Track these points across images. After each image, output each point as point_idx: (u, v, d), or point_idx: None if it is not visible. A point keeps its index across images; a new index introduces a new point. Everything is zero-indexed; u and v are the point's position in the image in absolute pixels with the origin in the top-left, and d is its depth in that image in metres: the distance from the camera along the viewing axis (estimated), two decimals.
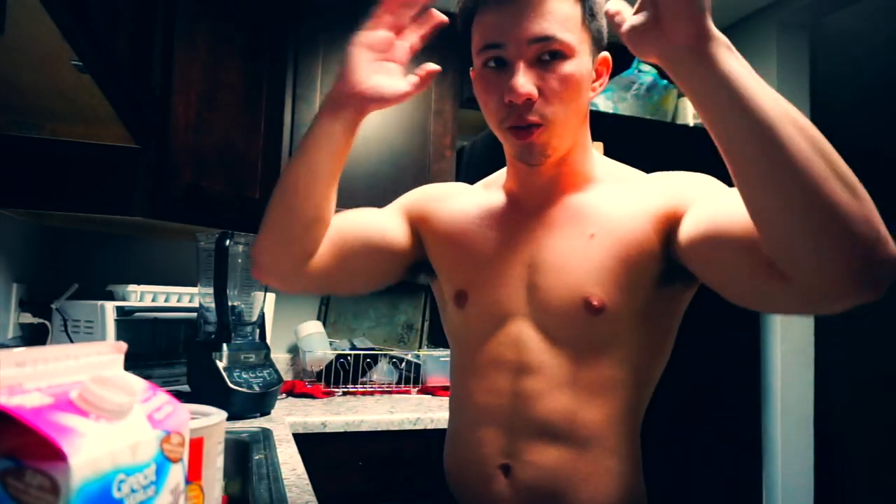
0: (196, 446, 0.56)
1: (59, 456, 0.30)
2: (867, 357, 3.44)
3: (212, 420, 0.59)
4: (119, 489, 0.34)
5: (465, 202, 0.91)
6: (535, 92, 0.73)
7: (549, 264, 0.80)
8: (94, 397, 0.35)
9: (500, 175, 0.94)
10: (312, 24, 2.01)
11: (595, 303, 0.76)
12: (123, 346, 0.42)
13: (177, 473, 0.39)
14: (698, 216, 0.70)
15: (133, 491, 0.35)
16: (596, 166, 0.86)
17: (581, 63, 0.75)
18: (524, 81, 0.72)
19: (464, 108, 2.19)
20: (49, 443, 0.30)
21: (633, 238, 0.76)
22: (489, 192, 0.92)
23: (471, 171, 2.10)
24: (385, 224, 0.95)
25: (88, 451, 0.31)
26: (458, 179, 2.13)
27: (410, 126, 2.09)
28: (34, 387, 0.34)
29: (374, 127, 2.05)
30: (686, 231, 0.71)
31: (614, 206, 0.79)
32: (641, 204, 0.78)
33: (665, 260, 0.76)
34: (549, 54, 0.73)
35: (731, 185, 0.64)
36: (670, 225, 0.75)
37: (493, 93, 0.77)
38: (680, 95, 2.15)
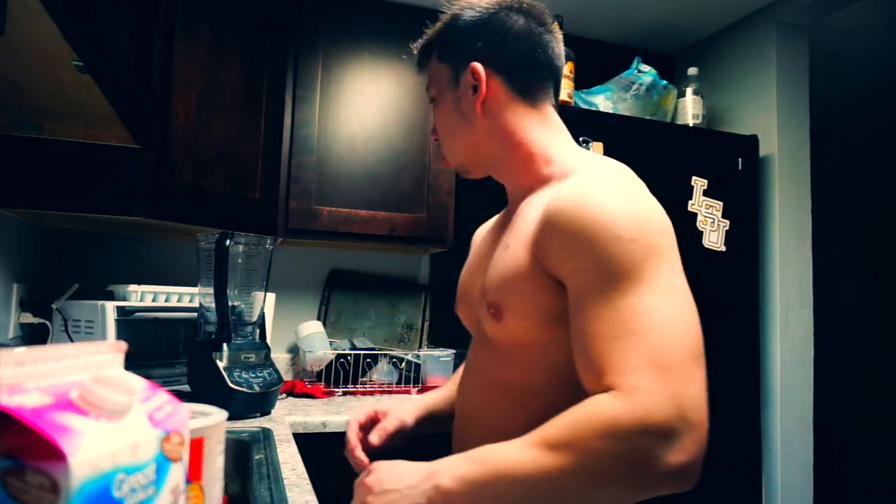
0: (196, 446, 0.56)
1: (59, 455, 0.30)
2: (867, 357, 3.44)
3: (212, 420, 0.58)
4: (119, 488, 0.34)
5: (490, 224, 1.03)
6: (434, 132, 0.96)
7: (485, 268, 0.87)
8: (94, 397, 0.35)
9: None
10: (312, 24, 2.01)
11: (492, 309, 0.80)
12: (123, 345, 0.42)
13: (177, 473, 0.39)
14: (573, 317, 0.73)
15: (133, 490, 0.35)
16: (551, 164, 0.85)
17: (445, 97, 0.91)
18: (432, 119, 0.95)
19: None
20: (49, 442, 0.30)
21: (525, 248, 0.78)
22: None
23: None
24: None
25: (88, 450, 0.31)
26: (458, 180, 2.13)
27: (410, 126, 2.09)
28: (34, 386, 0.34)
29: (374, 127, 2.05)
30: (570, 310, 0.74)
31: (532, 213, 0.80)
32: (541, 214, 0.77)
33: (545, 274, 0.76)
34: (431, 98, 0.95)
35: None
36: (543, 266, 0.75)
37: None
38: (680, 95, 2.15)
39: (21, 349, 0.34)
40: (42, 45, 0.81)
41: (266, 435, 1.28)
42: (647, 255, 0.69)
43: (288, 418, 1.54)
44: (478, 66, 0.87)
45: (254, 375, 1.52)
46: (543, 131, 0.88)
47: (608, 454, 0.63)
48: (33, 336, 1.68)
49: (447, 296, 2.29)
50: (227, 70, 1.74)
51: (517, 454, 0.66)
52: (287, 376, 2.17)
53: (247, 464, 1.13)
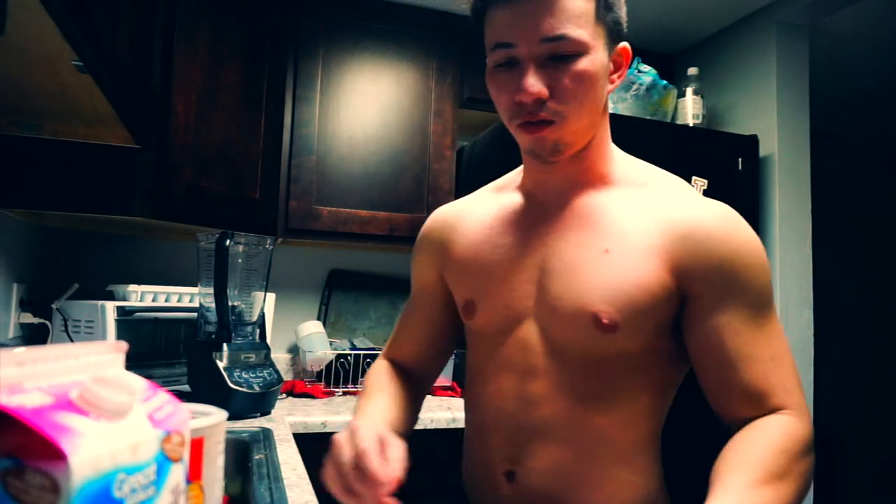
0: (196, 446, 0.56)
1: (59, 455, 0.30)
2: (867, 357, 3.44)
3: (212, 420, 0.58)
4: (119, 489, 0.33)
5: (480, 214, 0.90)
6: (545, 91, 0.72)
7: (559, 272, 0.78)
8: (94, 397, 0.34)
9: (515, 175, 0.92)
10: (312, 24, 2.01)
11: (605, 321, 0.74)
12: (124, 345, 0.42)
13: (177, 473, 0.39)
14: (708, 336, 0.74)
15: (133, 491, 0.35)
16: (615, 165, 0.83)
17: (595, 59, 0.73)
18: (534, 81, 0.71)
19: (464, 108, 2.19)
20: (49, 442, 0.30)
21: (647, 258, 0.74)
22: (503, 195, 0.90)
23: (471, 171, 2.10)
24: (434, 312, 0.98)
25: (89, 450, 0.31)
26: (458, 179, 2.13)
27: (410, 126, 2.09)
28: (34, 386, 0.34)
29: (374, 127, 2.05)
30: (692, 331, 0.76)
31: (631, 218, 0.76)
32: (656, 224, 0.75)
33: (676, 287, 0.75)
34: (562, 52, 0.71)
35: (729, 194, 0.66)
36: (678, 280, 0.74)
37: (504, 92, 0.75)
38: (680, 95, 2.15)
39: (21, 349, 0.34)
40: (42, 45, 0.80)
41: (266, 435, 1.28)
42: (770, 280, 0.76)
43: (288, 418, 1.54)
44: (629, 49, 0.79)
45: (254, 375, 1.52)
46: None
47: (810, 472, 0.70)
48: (33, 336, 1.68)
49: None
50: (227, 70, 1.74)
51: (757, 499, 0.64)
52: (287, 376, 2.17)
53: (247, 464, 1.13)
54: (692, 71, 2.17)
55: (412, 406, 0.94)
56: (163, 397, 0.42)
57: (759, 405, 0.72)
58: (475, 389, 0.88)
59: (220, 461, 0.59)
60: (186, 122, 1.60)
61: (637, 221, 0.76)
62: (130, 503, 0.34)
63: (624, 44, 0.79)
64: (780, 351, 0.73)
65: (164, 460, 0.37)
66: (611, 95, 2.05)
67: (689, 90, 2.12)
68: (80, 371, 0.37)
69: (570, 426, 0.77)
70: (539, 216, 0.83)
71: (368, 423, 0.75)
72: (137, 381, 0.40)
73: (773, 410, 0.72)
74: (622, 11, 0.77)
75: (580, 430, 0.77)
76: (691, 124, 2.10)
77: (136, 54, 1.25)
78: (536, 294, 0.80)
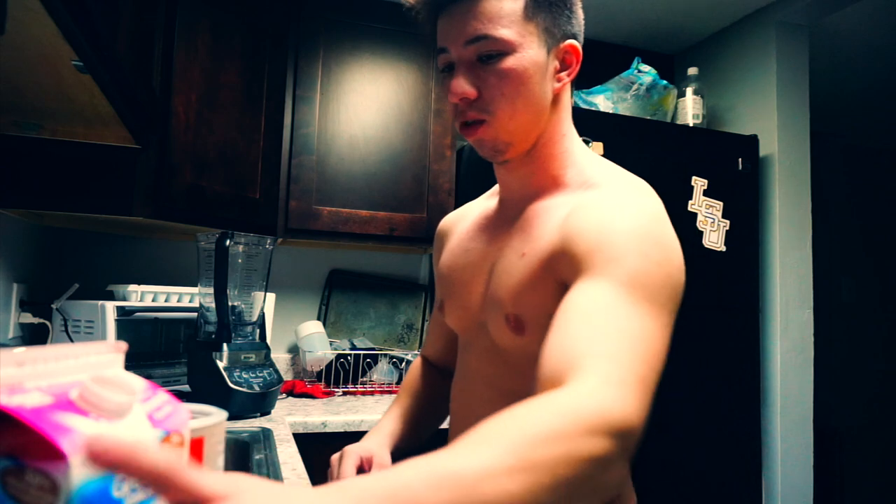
0: (196, 446, 0.56)
1: (58, 455, 0.30)
2: (867, 357, 3.44)
3: (212, 420, 0.58)
4: (119, 489, 0.34)
5: (469, 219, 0.93)
6: (470, 91, 0.74)
7: (494, 276, 0.80)
8: (94, 397, 0.34)
9: None
10: (312, 24, 2.01)
11: (512, 322, 0.75)
12: (123, 345, 0.42)
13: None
14: (562, 310, 0.63)
15: (133, 490, 0.35)
16: (570, 168, 0.81)
17: (523, 56, 0.74)
18: (460, 82, 0.74)
19: None
20: (49, 442, 0.30)
21: (546, 256, 0.72)
22: (489, 201, 0.93)
23: (471, 171, 2.10)
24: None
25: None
26: (457, 179, 2.13)
27: (410, 126, 2.09)
28: (34, 386, 0.34)
29: (374, 127, 2.05)
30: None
31: (552, 220, 0.75)
32: (564, 220, 0.73)
33: (563, 282, 0.71)
34: (485, 52, 0.74)
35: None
36: (560, 271, 0.70)
37: (446, 96, 0.79)
38: (680, 95, 2.15)
39: (21, 349, 0.34)
40: (42, 45, 0.81)
41: (266, 435, 1.28)
42: (663, 283, 0.64)
43: (288, 418, 1.54)
44: (578, 47, 0.78)
45: (254, 375, 1.52)
46: (572, 128, 0.83)
47: (576, 462, 0.50)
48: (33, 336, 1.68)
49: None
50: (227, 70, 1.74)
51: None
52: (287, 376, 2.17)
53: (247, 464, 1.13)
54: (692, 71, 2.17)
55: (429, 409, 1.00)
56: (162, 397, 0.42)
57: (567, 373, 0.56)
58: (453, 387, 0.93)
59: (220, 461, 0.59)
60: (186, 122, 1.60)
61: (553, 223, 0.74)
62: (130, 503, 0.34)
63: (571, 41, 0.78)
64: (630, 331, 0.59)
65: None
66: (611, 96, 2.06)
67: (689, 90, 2.12)
68: (80, 371, 0.37)
69: None
70: (501, 221, 0.85)
71: (364, 442, 0.86)
72: (137, 381, 0.40)
73: (578, 379, 0.55)
74: (573, 10, 0.78)
75: None
76: (691, 124, 2.10)
77: (136, 54, 1.25)
78: (483, 297, 0.83)
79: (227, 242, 1.50)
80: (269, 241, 1.63)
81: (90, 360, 0.38)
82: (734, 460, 1.94)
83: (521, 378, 0.75)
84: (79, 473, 0.30)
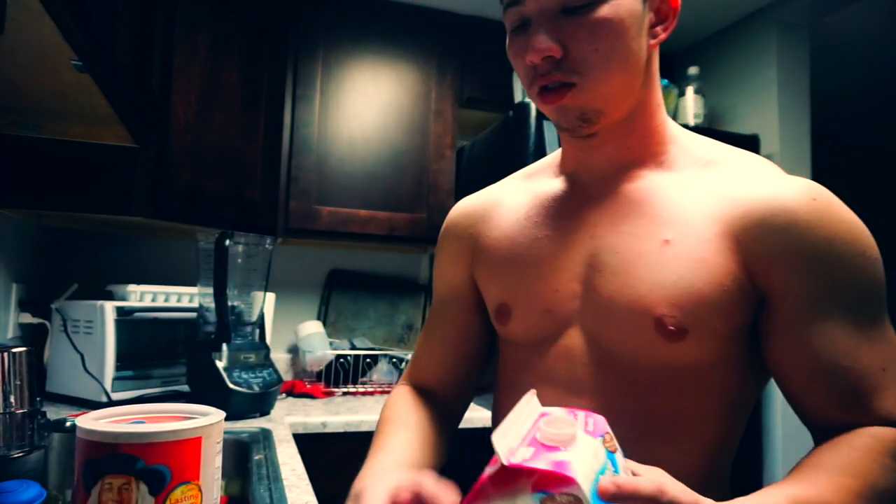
0: (194, 446, 0.56)
1: (572, 481, 0.43)
2: None
3: (210, 420, 0.58)
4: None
5: (513, 202, 0.79)
6: (555, 48, 0.62)
7: (611, 268, 0.66)
8: (555, 436, 0.47)
9: (549, 159, 0.80)
10: (312, 24, 2.01)
11: (671, 326, 0.62)
12: (534, 391, 0.55)
13: (620, 457, 0.53)
14: (795, 348, 0.61)
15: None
16: (673, 141, 0.70)
17: (620, 4, 0.61)
18: (543, 38, 0.62)
19: (464, 108, 2.19)
20: (562, 476, 0.44)
21: (716, 249, 0.62)
22: (537, 182, 0.78)
23: (471, 171, 2.10)
24: (463, 318, 0.83)
25: (581, 469, 0.44)
26: (458, 179, 2.12)
27: (410, 126, 2.09)
28: (525, 445, 0.48)
29: (374, 127, 2.05)
30: (774, 341, 0.63)
31: (694, 202, 0.64)
32: (724, 207, 0.63)
33: (750, 285, 0.62)
34: (575, 1, 0.61)
35: None
36: (752, 276, 0.62)
37: (519, 57, 0.66)
38: (680, 95, 2.15)
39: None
40: (42, 45, 0.80)
41: (266, 435, 1.28)
42: (883, 280, 0.61)
43: (287, 418, 1.54)
44: None
45: (253, 375, 1.52)
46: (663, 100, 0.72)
47: None
48: (32, 336, 1.68)
49: None
50: (227, 70, 1.74)
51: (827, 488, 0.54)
52: (287, 376, 2.17)
53: (246, 464, 1.13)
54: (693, 70, 2.17)
55: (439, 439, 0.78)
56: (581, 414, 0.54)
57: (861, 410, 0.59)
58: (508, 404, 0.69)
59: (217, 461, 0.60)
60: (186, 121, 1.60)
61: (702, 206, 0.63)
62: None
63: None
64: (893, 361, 0.59)
65: (610, 454, 0.51)
66: None
67: (689, 89, 2.12)
68: (525, 419, 0.51)
69: (647, 450, 0.62)
70: (583, 203, 0.71)
71: (376, 478, 0.57)
72: (562, 411, 0.53)
73: (880, 419, 0.58)
74: None
75: (636, 460, 0.63)
76: (692, 124, 2.10)
77: (135, 54, 1.25)
78: (584, 295, 0.68)
79: (227, 242, 1.50)
80: (268, 241, 1.63)
81: (523, 410, 0.51)
82: (734, 460, 1.93)
83: (642, 392, 0.64)
84: (586, 485, 0.44)
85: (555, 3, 0.62)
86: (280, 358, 2.18)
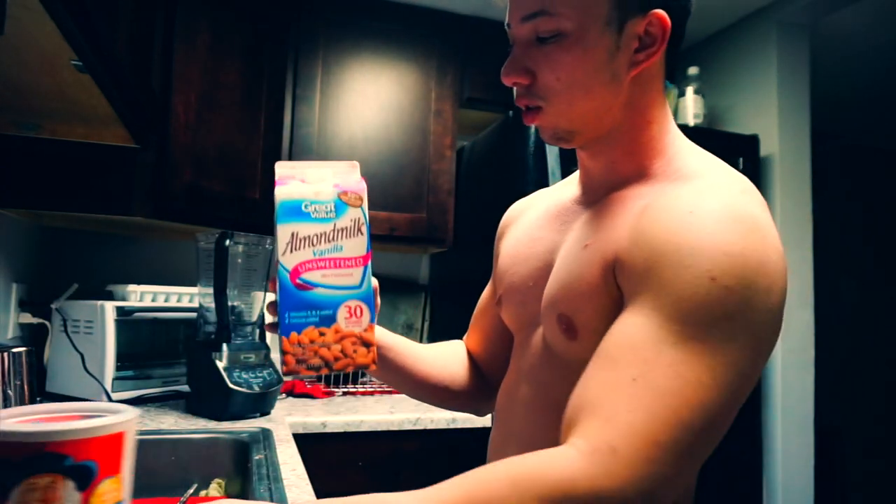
0: (117, 441, 0.56)
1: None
2: (868, 357, 3.44)
3: (129, 415, 0.59)
4: (306, 207, 0.65)
5: (539, 207, 0.84)
6: (522, 76, 0.67)
7: (555, 270, 0.72)
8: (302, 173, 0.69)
9: None
10: (312, 24, 2.01)
11: (563, 323, 0.66)
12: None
13: (356, 212, 0.67)
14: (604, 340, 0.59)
15: (316, 210, 0.66)
16: (663, 157, 0.70)
17: (586, 37, 0.64)
18: (512, 66, 0.68)
19: (464, 108, 2.19)
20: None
21: (608, 254, 0.63)
22: (565, 188, 0.83)
23: (471, 171, 2.10)
24: (492, 307, 0.92)
25: (288, 191, 0.66)
26: (458, 179, 2.12)
27: (410, 126, 2.09)
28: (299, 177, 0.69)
29: (374, 127, 2.05)
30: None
31: (622, 215, 0.66)
32: (634, 216, 0.64)
33: (615, 285, 0.64)
34: (542, 31, 0.65)
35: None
36: (619, 281, 0.62)
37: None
38: (680, 95, 2.15)
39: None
40: (42, 45, 0.80)
41: (266, 435, 1.28)
42: (733, 314, 0.54)
43: (288, 418, 1.54)
44: (665, 16, 0.65)
45: (253, 375, 1.52)
46: (667, 113, 0.72)
47: None
48: (32, 336, 1.68)
49: (447, 296, 2.29)
50: (227, 70, 1.74)
51: None
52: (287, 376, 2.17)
53: (246, 464, 1.13)
54: (692, 70, 2.17)
55: (447, 365, 0.92)
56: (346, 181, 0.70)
57: (567, 431, 0.55)
58: (501, 388, 0.84)
59: (133, 452, 0.61)
60: (186, 121, 1.60)
61: (626, 216, 0.65)
62: (315, 215, 0.66)
63: (656, 11, 0.65)
64: (656, 381, 0.52)
65: (342, 204, 0.66)
66: None
67: (689, 90, 2.12)
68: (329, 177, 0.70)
69: (549, 439, 0.65)
70: (577, 209, 0.76)
71: None
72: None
73: (569, 441, 0.54)
74: None
75: (557, 444, 0.67)
76: (692, 124, 2.10)
77: (135, 54, 1.25)
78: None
79: (227, 242, 1.50)
80: (268, 241, 1.63)
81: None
82: (734, 460, 1.93)
83: (570, 386, 0.65)
84: (279, 198, 0.66)
85: (528, 32, 0.67)
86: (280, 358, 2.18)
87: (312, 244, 0.64)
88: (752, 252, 0.55)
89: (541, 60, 0.66)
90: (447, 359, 0.93)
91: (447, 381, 0.91)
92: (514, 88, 0.70)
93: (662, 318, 0.54)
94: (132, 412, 0.60)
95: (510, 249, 0.83)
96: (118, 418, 0.57)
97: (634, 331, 0.55)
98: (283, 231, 0.64)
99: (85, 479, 0.54)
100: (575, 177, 0.84)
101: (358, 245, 0.66)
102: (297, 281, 0.64)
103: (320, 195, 0.65)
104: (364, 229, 0.66)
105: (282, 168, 0.68)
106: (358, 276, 0.66)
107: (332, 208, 0.65)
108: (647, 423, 0.51)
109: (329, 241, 0.65)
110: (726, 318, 0.54)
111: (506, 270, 0.82)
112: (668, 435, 0.51)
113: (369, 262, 0.67)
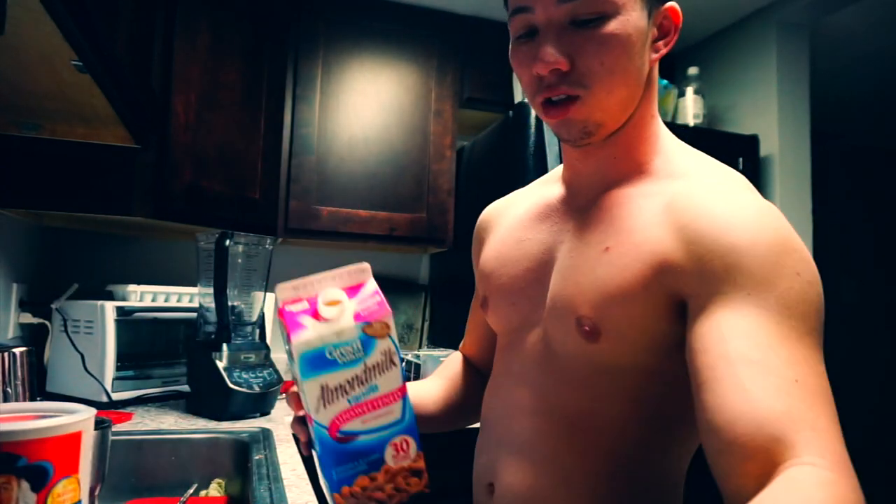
0: (74, 440, 0.56)
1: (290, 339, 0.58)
2: (868, 357, 3.44)
3: (86, 414, 0.59)
4: (330, 354, 0.58)
5: (520, 208, 0.83)
6: (563, 60, 0.62)
7: (562, 271, 0.69)
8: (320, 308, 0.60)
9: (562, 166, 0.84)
10: (312, 24, 2.01)
11: (586, 326, 0.64)
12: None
13: (384, 344, 0.60)
14: (706, 349, 0.54)
15: (342, 354, 0.58)
16: (659, 154, 0.70)
17: (627, 20, 0.62)
18: (552, 50, 0.62)
19: (464, 108, 2.19)
20: (288, 332, 0.59)
21: (642, 256, 0.62)
22: (547, 187, 0.81)
23: (471, 171, 2.10)
24: (480, 311, 0.92)
25: (306, 335, 0.58)
26: (458, 179, 2.12)
27: (410, 126, 2.09)
28: (305, 296, 0.62)
29: (374, 127, 2.05)
30: (687, 342, 0.58)
31: (642, 213, 0.64)
32: (664, 217, 0.62)
33: (666, 288, 0.61)
34: (583, 14, 0.62)
35: None
36: (670, 278, 0.60)
37: (524, 66, 0.67)
38: (680, 95, 2.15)
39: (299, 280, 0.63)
40: (42, 45, 0.80)
41: (266, 435, 1.28)
42: (819, 307, 0.56)
43: (287, 419, 1.54)
44: (678, 10, 0.67)
45: (253, 375, 1.52)
46: (658, 112, 0.72)
47: None
48: (33, 336, 1.68)
49: (447, 296, 2.29)
50: (227, 70, 1.74)
51: None
52: (287, 376, 2.17)
53: (246, 464, 1.13)
54: (692, 70, 2.17)
55: (456, 393, 0.91)
56: (372, 298, 0.62)
57: (776, 448, 0.48)
58: (485, 394, 0.83)
59: (91, 452, 0.61)
60: (186, 121, 1.60)
61: (647, 216, 0.64)
62: (342, 360, 0.58)
63: (671, 3, 0.67)
64: (810, 380, 0.51)
65: (368, 338, 0.59)
66: None
67: (689, 90, 2.12)
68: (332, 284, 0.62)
69: (549, 445, 0.67)
70: (568, 210, 0.74)
71: None
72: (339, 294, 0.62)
73: (798, 459, 0.47)
74: None
75: (558, 452, 0.67)
76: (691, 124, 2.10)
77: (135, 54, 1.25)
78: (543, 295, 0.72)
79: (227, 242, 1.50)
80: (268, 241, 1.63)
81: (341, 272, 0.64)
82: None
83: (573, 391, 0.67)
84: (299, 349, 0.58)
85: (564, 15, 0.62)
86: (280, 358, 2.18)
87: (345, 392, 0.58)
88: (804, 247, 0.58)
89: (582, 44, 0.62)
90: (449, 392, 0.91)
91: (458, 408, 0.91)
92: (542, 80, 0.65)
93: (774, 315, 0.53)
94: (88, 412, 0.59)
95: (494, 251, 0.82)
96: (73, 418, 0.57)
97: (756, 330, 0.53)
98: (311, 386, 0.57)
99: (40, 479, 0.54)
100: (552, 176, 0.83)
101: (393, 378, 0.60)
102: (338, 435, 0.58)
103: (343, 335, 0.58)
104: (396, 359, 0.60)
105: (283, 292, 0.61)
106: (398, 411, 0.61)
107: (360, 346, 0.59)
108: (834, 424, 0.51)
109: (362, 383, 0.59)
110: (816, 312, 0.56)
111: (491, 272, 0.80)
112: (840, 438, 0.51)
113: (407, 392, 0.62)
